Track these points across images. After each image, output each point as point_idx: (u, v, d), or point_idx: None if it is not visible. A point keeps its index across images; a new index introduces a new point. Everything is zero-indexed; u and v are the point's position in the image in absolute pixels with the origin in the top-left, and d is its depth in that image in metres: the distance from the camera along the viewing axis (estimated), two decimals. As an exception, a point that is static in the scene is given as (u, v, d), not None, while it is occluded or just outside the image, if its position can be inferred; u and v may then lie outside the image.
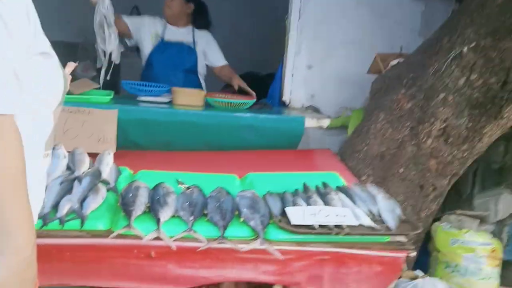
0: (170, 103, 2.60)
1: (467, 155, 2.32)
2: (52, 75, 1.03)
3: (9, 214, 0.82)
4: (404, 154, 2.32)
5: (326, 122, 2.60)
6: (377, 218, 1.74)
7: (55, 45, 1.08)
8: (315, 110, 2.94)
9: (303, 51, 2.90)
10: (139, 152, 2.40)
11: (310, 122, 2.54)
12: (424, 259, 2.48)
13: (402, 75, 2.43)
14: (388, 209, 1.77)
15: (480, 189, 2.82)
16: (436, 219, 2.52)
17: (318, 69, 2.93)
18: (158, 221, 1.54)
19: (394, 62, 2.56)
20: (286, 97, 2.94)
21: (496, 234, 2.51)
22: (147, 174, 2.04)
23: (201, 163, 2.33)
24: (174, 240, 1.50)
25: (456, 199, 2.77)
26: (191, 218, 1.58)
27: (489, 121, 2.17)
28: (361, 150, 2.40)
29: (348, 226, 1.61)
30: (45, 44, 1.00)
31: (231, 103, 2.59)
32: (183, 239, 1.52)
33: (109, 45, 2.22)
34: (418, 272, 2.14)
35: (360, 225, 1.65)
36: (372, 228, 1.64)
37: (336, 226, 1.61)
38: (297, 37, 2.87)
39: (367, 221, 1.68)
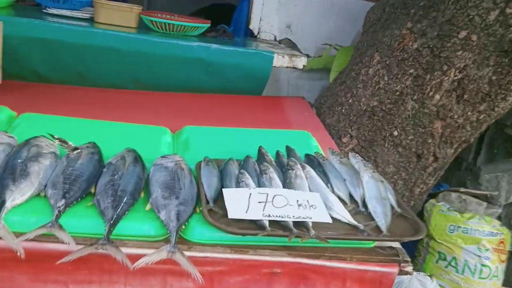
0: (90, 20, 1.89)
1: (484, 118, 1.75)
2: None
3: None
4: (401, 111, 1.72)
5: (302, 62, 1.93)
6: (360, 210, 1.16)
7: None
8: (290, 45, 2.27)
9: (280, -34, 2.19)
10: (35, 84, 1.73)
11: (281, 60, 1.88)
12: (411, 244, 1.96)
13: (409, 3, 1.78)
14: (377, 196, 1.18)
15: (486, 158, 2.28)
16: (431, 195, 1.98)
17: (299, -8, 2.24)
18: (1, 204, 0.92)
19: (400, -15, 1.89)
20: (254, 25, 2.27)
21: (504, 219, 2.00)
22: (34, 118, 1.39)
23: (124, 107, 1.71)
24: (24, 241, 0.89)
25: (454, 168, 2.23)
26: (61, 203, 0.96)
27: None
28: (345, 103, 1.79)
29: (317, 225, 1.03)
30: None
31: (175, 25, 1.89)
32: (39, 238, 0.91)
33: None
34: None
35: (336, 221, 1.07)
36: (353, 227, 1.06)
37: (297, 223, 1.02)
38: None
39: (346, 216, 1.09)
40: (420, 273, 1.66)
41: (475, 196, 1.88)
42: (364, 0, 2.07)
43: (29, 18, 1.74)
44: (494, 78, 1.65)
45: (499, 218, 1.96)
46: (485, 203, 1.85)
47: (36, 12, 1.88)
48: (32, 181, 1.00)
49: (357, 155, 1.38)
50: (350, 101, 1.77)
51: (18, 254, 0.88)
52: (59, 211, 0.95)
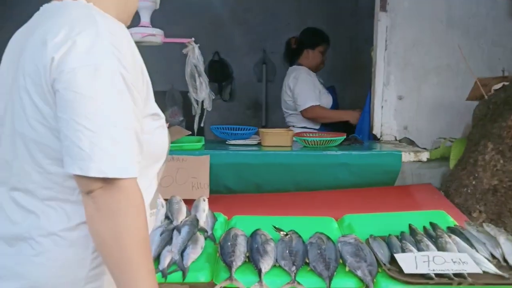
0: (258, 144, 2.58)
1: None
2: (159, 136, 1.04)
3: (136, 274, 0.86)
4: (520, 186, 2.06)
5: (425, 155, 2.41)
6: (502, 264, 1.53)
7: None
8: (409, 142, 2.76)
9: (392, 82, 2.77)
10: (231, 196, 2.38)
11: (408, 156, 2.37)
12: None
13: (510, 100, 2.21)
14: (515, 252, 1.55)
15: None
16: None
17: (410, 99, 2.77)
18: (259, 272, 1.48)
19: (498, 86, 2.34)
20: (376, 131, 2.80)
21: None
22: (242, 219, 2.00)
23: (294, 205, 2.25)
24: (275, 292, 1.42)
25: None
26: (293, 268, 1.50)
27: None
28: (469, 184, 2.18)
29: (471, 275, 1.43)
30: (155, 105, 1.02)
31: (320, 141, 2.51)
32: (281, 291, 1.44)
33: (201, 93, 2.27)
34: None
35: (485, 273, 1.46)
36: (500, 276, 1.44)
37: (456, 275, 1.43)
38: (385, 68, 2.75)
39: (492, 268, 1.48)
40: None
41: None
42: (468, 101, 2.53)
43: (220, 150, 2.46)
44: None
45: None
46: None
47: (223, 144, 2.61)
48: (270, 256, 1.56)
49: (490, 224, 1.76)
50: (473, 182, 2.16)
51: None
52: (294, 274, 1.48)
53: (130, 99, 0.89)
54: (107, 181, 0.85)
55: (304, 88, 3.09)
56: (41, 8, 1.06)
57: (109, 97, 0.86)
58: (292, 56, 3.31)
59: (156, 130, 1.04)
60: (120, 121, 0.87)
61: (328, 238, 1.67)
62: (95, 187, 0.86)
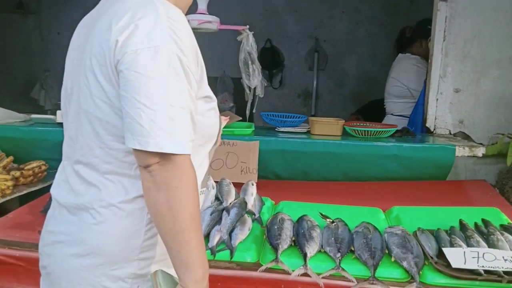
0: (307, 133, 2.59)
1: None
2: (211, 118, 1.09)
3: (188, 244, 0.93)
4: None
5: (481, 151, 2.33)
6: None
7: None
8: (465, 137, 2.67)
9: (449, 74, 2.68)
10: (278, 182, 2.42)
11: (462, 151, 2.30)
12: None
13: None
14: None
15: None
16: None
17: (468, 93, 2.67)
18: (305, 256, 1.51)
19: None
20: (430, 124, 2.73)
21: None
22: (288, 204, 2.03)
23: (341, 194, 2.26)
24: (322, 278, 1.45)
25: None
26: (338, 255, 1.51)
27: None
28: (527, 183, 2.09)
29: (522, 275, 1.39)
30: (208, 88, 1.07)
31: (371, 131, 2.48)
32: (330, 277, 1.46)
33: (253, 80, 2.31)
34: None
35: (538, 273, 1.41)
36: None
37: (506, 273, 1.40)
38: (442, 59, 2.66)
39: (546, 269, 1.43)
40: None
41: None
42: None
43: (269, 137, 2.50)
44: None
45: None
46: None
47: (272, 131, 2.65)
48: (316, 242, 1.59)
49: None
50: (531, 181, 2.08)
51: (321, 286, 1.44)
52: (339, 261, 1.50)
53: (185, 81, 0.95)
54: (164, 156, 0.91)
55: (421, 78, 3.07)
56: None
57: (167, 78, 0.92)
58: (405, 44, 3.30)
59: (208, 112, 1.09)
60: (177, 100, 0.92)
61: (375, 228, 1.67)
62: (153, 161, 0.92)
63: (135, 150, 0.93)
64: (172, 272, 1.00)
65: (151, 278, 0.97)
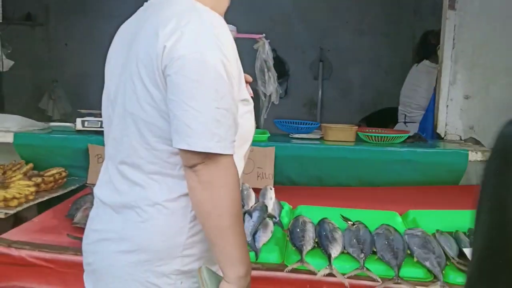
0: (321, 139, 2.64)
1: None
2: (248, 120, 1.13)
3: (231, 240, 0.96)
4: None
5: (493, 156, 2.37)
6: None
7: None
8: (475, 142, 2.72)
9: (459, 81, 2.74)
10: (293, 187, 2.46)
11: (474, 156, 2.35)
12: None
13: None
14: None
15: None
16: None
17: (477, 99, 2.73)
18: (329, 257, 1.55)
19: None
20: (441, 130, 2.78)
21: None
22: (307, 209, 2.07)
23: (356, 199, 2.29)
24: (347, 278, 1.48)
25: None
26: (362, 255, 1.55)
27: None
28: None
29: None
30: (246, 92, 1.11)
31: (384, 137, 2.53)
32: (355, 276, 1.50)
33: (269, 87, 2.36)
34: None
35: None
36: None
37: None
38: (452, 67, 2.72)
39: None
40: None
41: None
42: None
43: (284, 143, 2.54)
44: None
45: None
46: None
47: (286, 137, 2.70)
48: (339, 243, 1.62)
49: None
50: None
51: (346, 285, 1.47)
52: (363, 261, 1.53)
53: (229, 84, 0.99)
54: (209, 156, 0.96)
55: None
56: (145, 3, 1.18)
57: (213, 82, 0.97)
58: (426, 50, 3.23)
59: (246, 114, 1.14)
60: (222, 103, 0.97)
61: (395, 229, 1.71)
62: (198, 161, 0.96)
63: (182, 150, 0.97)
64: (213, 269, 1.03)
65: (196, 274, 1.00)
